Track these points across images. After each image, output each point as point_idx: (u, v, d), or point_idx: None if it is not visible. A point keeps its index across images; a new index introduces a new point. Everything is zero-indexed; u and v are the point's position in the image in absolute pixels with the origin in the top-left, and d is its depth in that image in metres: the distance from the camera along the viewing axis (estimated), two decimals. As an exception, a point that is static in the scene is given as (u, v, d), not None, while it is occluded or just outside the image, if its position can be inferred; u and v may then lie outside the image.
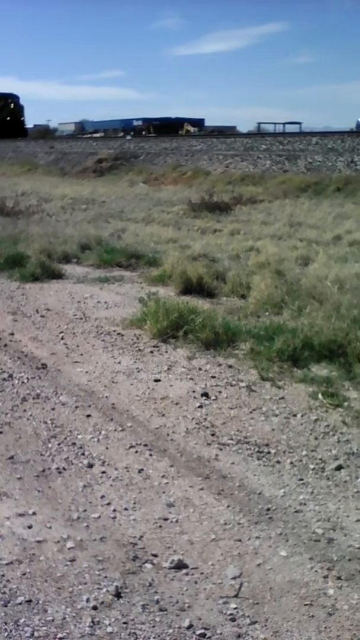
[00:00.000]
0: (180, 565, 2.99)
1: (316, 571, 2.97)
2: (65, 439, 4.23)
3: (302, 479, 3.75)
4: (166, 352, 5.80)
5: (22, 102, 50.96)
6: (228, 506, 3.49)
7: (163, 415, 4.59)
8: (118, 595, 2.78)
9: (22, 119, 49.71)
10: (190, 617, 2.68)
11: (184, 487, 3.67)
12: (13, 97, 49.51)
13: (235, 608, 2.74)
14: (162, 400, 4.82)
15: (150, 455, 4.03)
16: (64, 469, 3.85)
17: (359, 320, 5.73)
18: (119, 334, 6.32)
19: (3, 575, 2.90)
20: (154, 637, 2.57)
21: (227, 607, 2.74)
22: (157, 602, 2.76)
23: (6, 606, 2.71)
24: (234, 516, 3.40)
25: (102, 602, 2.74)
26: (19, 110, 49.37)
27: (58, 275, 8.92)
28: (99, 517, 3.37)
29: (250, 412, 4.61)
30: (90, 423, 4.47)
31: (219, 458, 3.99)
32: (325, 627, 2.63)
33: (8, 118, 47.42)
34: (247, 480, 3.75)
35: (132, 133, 46.37)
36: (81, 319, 6.89)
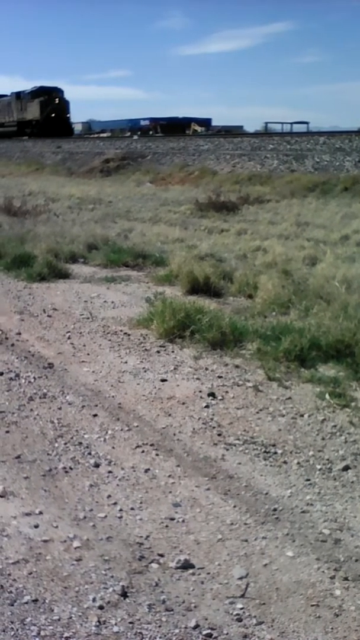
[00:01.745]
0: (186, 565, 2.99)
1: (323, 572, 2.96)
2: (72, 438, 4.23)
3: (309, 480, 3.74)
4: (173, 352, 5.80)
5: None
6: (234, 506, 3.48)
7: (169, 415, 4.58)
8: (124, 594, 2.78)
9: (67, 115, 44.41)
10: (197, 617, 2.68)
11: (190, 487, 3.66)
12: (57, 91, 44.25)
13: (241, 608, 2.73)
14: (168, 400, 4.82)
15: (157, 455, 4.03)
16: (71, 468, 3.85)
17: (366, 320, 5.71)
18: (125, 333, 6.32)
19: (9, 575, 2.90)
20: (160, 637, 2.57)
21: (234, 607, 2.74)
22: (164, 602, 2.76)
23: (12, 605, 2.71)
24: (241, 516, 3.39)
25: (109, 602, 2.74)
26: (64, 106, 43.98)
27: (65, 275, 8.93)
28: (106, 516, 3.37)
29: (257, 412, 4.60)
30: (96, 423, 4.47)
31: (226, 458, 3.99)
32: (332, 628, 2.62)
33: (53, 115, 42.42)
34: (254, 480, 3.74)
35: (139, 133, 45.84)
36: (88, 318, 6.89)
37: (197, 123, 56.80)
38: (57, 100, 43.15)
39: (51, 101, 42.78)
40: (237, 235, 11.43)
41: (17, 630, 2.57)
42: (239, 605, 2.75)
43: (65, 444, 4.16)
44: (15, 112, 45.42)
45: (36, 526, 3.26)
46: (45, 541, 3.14)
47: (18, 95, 45.06)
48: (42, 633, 2.57)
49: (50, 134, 39.28)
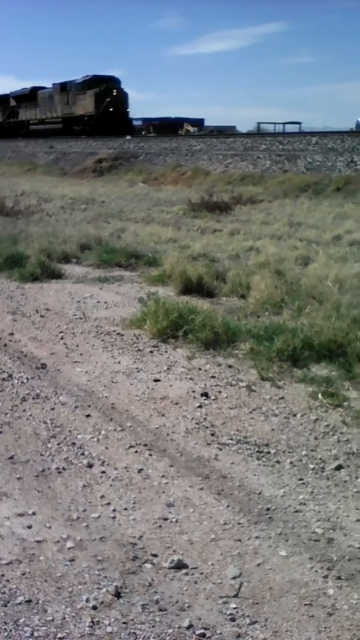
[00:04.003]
0: (180, 565, 2.99)
1: (316, 571, 2.97)
2: (65, 438, 4.23)
3: (301, 479, 3.75)
4: (166, 352, 5.80)
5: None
6: (228, 506, 3.49)
7: (163, 415, 4.58)
8: (118, 595, 2.78)
9: (127, 110, 37.62)
10: (190, 617, 2.68)
11: (183, 487, 3.66)
12: (114, 81, 37.42)
13: (235, 608, 2.73)
14: (161, 400, 4.82)
15: (150, 455, 4.03)
16: (64, 469, 3.85)
17: (358, 320, 5.73)
18: (118, 333, 6.31)
19: (3, 575, 2.89)
20: (153, 637, 2.57)
21: (227, 607, 2.74)
22: (157, 602, 2.76)
23: (6, 606, 2.70)
24: (234, 516, 3.40)
25: (102, 602, 2.74)
26: (123, 98, 37.23)
27: (58, 275, 8.92)
28: (99, 517, 3.37)
29: (250, 412, 4.60)
30: (89, 423, 4.46)
31: (219, 458, 3.99)
32: (325, 627, 2.63)
33: (110, 109, 35.90)
34: (247, 480, 3.75)
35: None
36: (81, 318, 6.88)
37: (190, 123, 56.67)
38: (114, 92, 36.58)
39: (108, 93, 36.18)
40: (229, 236, 11.44)
41: (11, 631, 2.57)
42: (233, 605, 2.75)
43: (59, 444, 4.15)
44: (60, 106, 39.60)
45: (29, 527, 3.26)
46: (38, 542, 3.14)
47: (63, 86, 39.13)
48: (36, 634, 2.56)
49: (108, 131, 33.66)
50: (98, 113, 36.19)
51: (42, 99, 42.05)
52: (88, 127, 36.69)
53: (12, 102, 46.43)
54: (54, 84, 40.92)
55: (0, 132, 46.64)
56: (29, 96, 43.63)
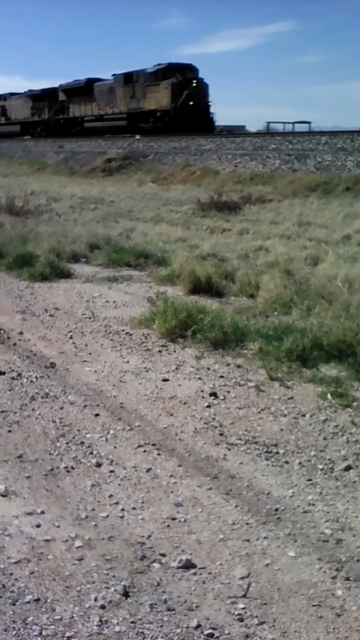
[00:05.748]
0: (188, 565, 2.99)
1: (324, 572, 2.96)
2: (74, 438, 4.23)
3: (310, 479, 3.74)
4: (174, 351, 5.80)
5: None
6: (236, 506, 3.48)
7: (171, 414, 4.58)
8: (126, 594, 2.78)
9: (208, 104, 31.58)
10: (198, 616, 2.67)
11: (192, 487, 3.66)
12: (193, 70, 31.63)
13: (243, 608, 2.73)
14: (170, 399, 4.82)
15: (159, 454, 4.03)
16: (73, 468, 3.86)
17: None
18: (127, 333, 6.32)
19: (11, 574, 2.90)
20: (161, 637, 2.57)
21: (235, 607, 2.74)
22: (165, 601, 2.76)
23: (14, 605, 2.71)
24: (242, 516, 3.39)
25: (110, 602, 2.74)
26: (204, 90, 31.27)
27: (67, 275, 8.94)
28: (107, 516, 3.37)
29: (259, 412, 4.59)
30: (98, 422, 4.47)
31: (228, 458, 3.99)
32: (333, 628, 2.62)
33: (190, 103, 30.10)
34: (256, 480, 3.74)
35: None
36: (90, 318, 6.90)
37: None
38: (194, 83, 30.65)
39: (187, 83, 30.32)
40: (239, 235, 11.44)
41: (19, 629, 2.58)
42: (241, 605, 2.74)
43: (67, 443, 4.16)
44: (124, 100, 34.10)
45: (38, 526, 3.26)
46: (47, 541, 3.15)
47: (128, 76, 33.77)
48: (44, 632, 2.57)
49: (186, 129, 28.61)
50: (175, 108, 30.29)
51: (100, 93, 36.51)
52: (161, 124, 31.35)
53: (62, 96, 40.51)
54: (114, 75, 35.55)
55: (47, 130, 41.60)
56: (84, 89, 37.92)
